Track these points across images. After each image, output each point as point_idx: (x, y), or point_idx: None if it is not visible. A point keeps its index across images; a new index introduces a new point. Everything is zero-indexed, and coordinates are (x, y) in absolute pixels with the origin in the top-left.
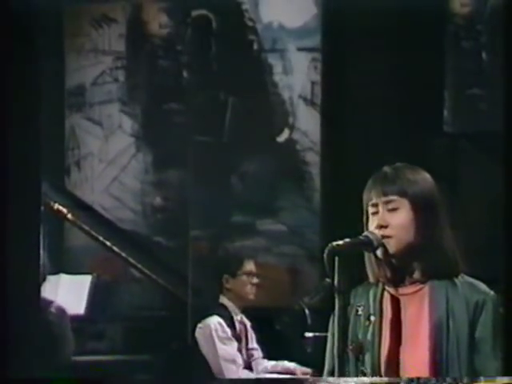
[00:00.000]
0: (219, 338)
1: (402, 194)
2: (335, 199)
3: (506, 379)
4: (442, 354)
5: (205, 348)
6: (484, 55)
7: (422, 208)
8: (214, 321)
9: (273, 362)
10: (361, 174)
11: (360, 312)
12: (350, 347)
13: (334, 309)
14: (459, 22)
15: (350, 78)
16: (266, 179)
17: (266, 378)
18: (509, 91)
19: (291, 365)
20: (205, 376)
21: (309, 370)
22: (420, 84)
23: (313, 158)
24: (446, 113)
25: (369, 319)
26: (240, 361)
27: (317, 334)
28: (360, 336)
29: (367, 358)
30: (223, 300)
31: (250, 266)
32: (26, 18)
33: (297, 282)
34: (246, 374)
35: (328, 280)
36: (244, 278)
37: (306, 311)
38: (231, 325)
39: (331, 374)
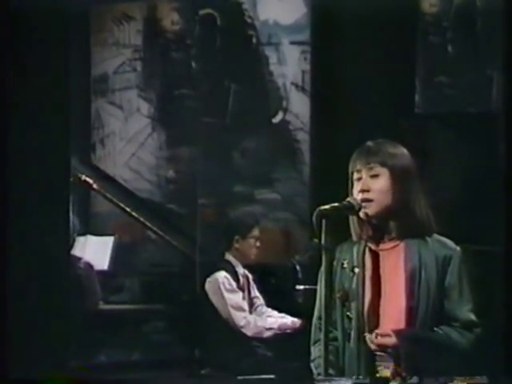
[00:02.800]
0: (226, 289)
1: (383, 164)
2: (322, 172)
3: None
4: (416, 301)
5: (214, 298)
6: (449, 48)
7: (399, 177)
8: (222, 275)
9: (272, 313)
10: (344, 150)
11: (345, 265)
12: (338, 295)
13: (321, 264)
14: (428, 20)
15: (335, 67)
16: (263, 155)
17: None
18: (509, 92)
19: (287, 320)
20: (211, 322)
21: (299, 321)
22: (395, 72)
23: (303, 137)
24: (416, 97)
25: (353, 271)
26: (246, 307)
27: (307, 286)
28: (346, 285)
29: (352, 304)
30: (228, 257)
31: (256, 231)
32: (59, 17)
33: (289, 242)
34: (252, 319)
35: (316, 240)
36: (251, 240)
37: (297, 267)
38: (236, 278)
39: (319, 318)
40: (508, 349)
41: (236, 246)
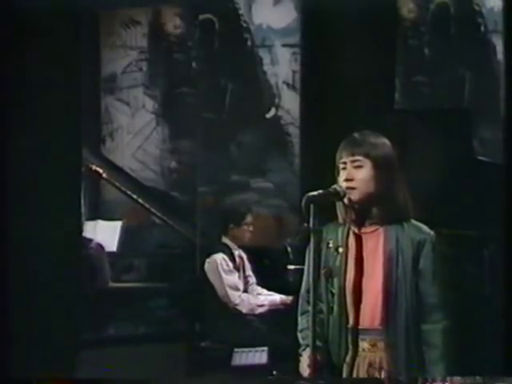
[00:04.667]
0: (224, 270)
1: (366, 155)
2: (311, 162)
3: None
4: (393, 281)
5: (212, 278)
6: (426, 50)
7: (381, 167)
8: (219, 256)
9: (262, 291)
10: (331, 142)
11: (331, 245)
12: (323, 271)
13: (309, 244)
14: (407, 25)
15: (323, 67)
16: (257, 147)
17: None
18: (509, 91)
19: (276, 297)
20: (209, 299)
21: (290, 298)
22: (377, 72)
23: (294, 131)
24: (396, 94)
25: (337, 250)
26: (241, 287)
27: (297, 266)
28: (330, 263)
29: (335, 280)
30: (225, 240)
31: (249, 218)
32: (72, 21)
33: (282, 226)
34: (245, 297)
35: (305, 224)
36: (245, 227)
37: (288, 249)
38: (232, 259)
39: (307, 292)
40: (508, 349)
41: (231, 232)
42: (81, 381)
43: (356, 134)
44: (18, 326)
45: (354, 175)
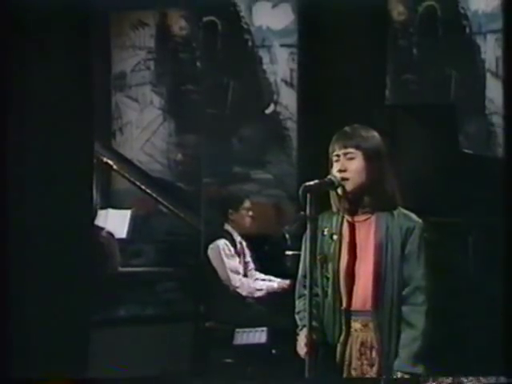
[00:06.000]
0: (226, 254)
1: (358, 147)
2: (307, 155)
3: None
4: (383, 266)
5: (215, 262)
6: (414, 50)
7: (371, 158)
8: (222, 242)
9: (260, 276)
10: (326, 136)
11: (325, 233)
12: (318, 257)
13: (306, 232)
14: (397, 27)
15: (319, 66)
16: (257, 141)
17: None
18: (508, 91)
19: (274, 282)
20: (212, 283)
21: (287, 282)
22: (369, 70)
23: (291, 125)
24: (387, 91)
25: (332, 238)
26: (241, 271)
27: (294, 252)
28: (325, 250)
29: (330, 266)
30: (227, 227)
31: (247, 203)
32: (84, 23)
33: (280, 215)
34: (245, 280)
35: (302, 213)
36: (243, 212)
37: (287, 235)
38: (233, 245)
39: (303, 277)
40: (508, 349)
41: (231, 217)
42: (81, 381)
43: (347, 128)
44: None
45: (347, 166)
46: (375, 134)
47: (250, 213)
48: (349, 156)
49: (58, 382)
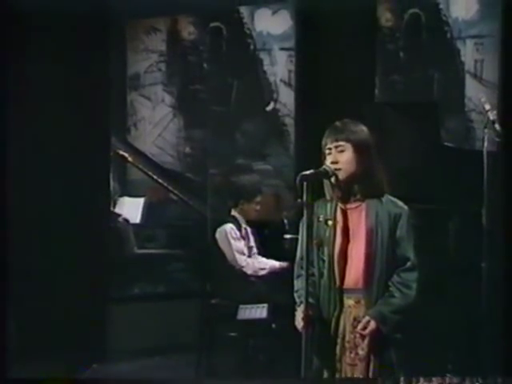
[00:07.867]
0: (232, 237)
1: (348, 140)
2: (304, 148)
3: None
4: (374, 249)
5: (222, 244)
6: (401, 53)
7: (361, 150)
8: (229, 226)
9: (263, 260)
10: (320, 131)
11: (321, 219)
12: (315, 242)
13: (303, 218)
14: (385, 32)
15: (314, 67)
16: (258, 135)
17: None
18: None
19: (274, 263)
20: (219, 263)
21: (286, 264)
22: (359, 71)
23: (289, 121)
24: (376, 90)
25: (327, 223)
26: (246, 252)
27: (292, 236)
28: (321, 234)
29: (325, 249)
30: (234, 213)
31: (259, 198)
32: (103, 29)
33: (279, 202)
34: (250, 261)
35: (299, 200)
36: (253, 205)
37: (285, 221)
38: (239, 229)
39: (301, 259)
40: (508, 349)
41: (241, 206)
42: (81, 381)
43: (338, 123)
44: (57, 289)
45: (339, 158)
46: (364, 128)
47: (258, 206)
48: (340, 149)
49: (57, 382)
